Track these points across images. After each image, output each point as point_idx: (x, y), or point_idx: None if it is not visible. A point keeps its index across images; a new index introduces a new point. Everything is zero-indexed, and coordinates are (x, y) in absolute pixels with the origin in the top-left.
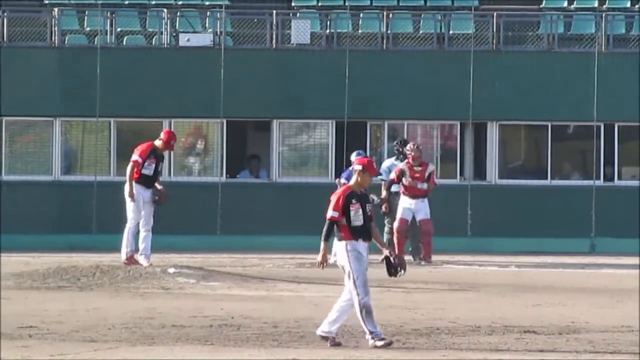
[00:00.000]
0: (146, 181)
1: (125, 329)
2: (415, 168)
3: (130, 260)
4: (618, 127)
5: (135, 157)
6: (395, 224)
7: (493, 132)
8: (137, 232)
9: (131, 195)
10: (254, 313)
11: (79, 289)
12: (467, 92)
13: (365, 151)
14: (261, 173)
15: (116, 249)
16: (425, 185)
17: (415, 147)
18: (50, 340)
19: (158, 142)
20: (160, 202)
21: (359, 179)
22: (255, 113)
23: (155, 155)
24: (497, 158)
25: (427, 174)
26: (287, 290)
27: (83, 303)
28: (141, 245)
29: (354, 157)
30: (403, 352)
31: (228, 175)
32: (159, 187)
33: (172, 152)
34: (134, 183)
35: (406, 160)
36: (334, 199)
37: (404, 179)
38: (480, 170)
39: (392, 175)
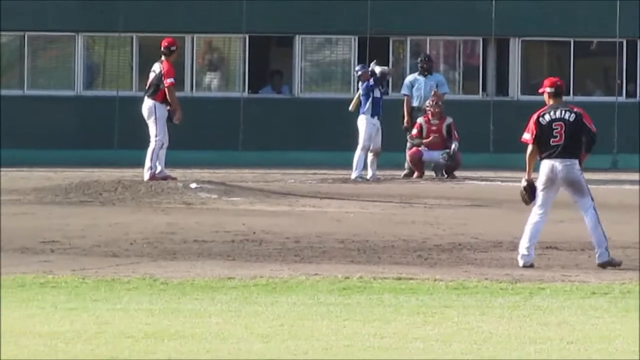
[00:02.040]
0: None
1: (147, 244)
2: (432, 122)
3: (154, 178)
4: None
5: (171, 79)
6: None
7: (515, 48)
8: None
9: (179, 118)
10: (276, 228)
11: (100, 204)
12: (490, 8)
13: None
14: (283, 89)
15: (138, 164)
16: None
17: (435, 102)
18: (72, 255)
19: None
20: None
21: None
22: (278, 28)
23: None
24: (519, 74)
25: (444, 127)
26: (309, 206)
27: (105, 218)
28: (162, 164)
29: (357, 73)
30: (425, 268)
31: (250, 91)
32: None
33: (194, 68)
34: (159, 104)
35: (424, 115)
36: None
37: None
38: (502, 86)
39: (414, 132)
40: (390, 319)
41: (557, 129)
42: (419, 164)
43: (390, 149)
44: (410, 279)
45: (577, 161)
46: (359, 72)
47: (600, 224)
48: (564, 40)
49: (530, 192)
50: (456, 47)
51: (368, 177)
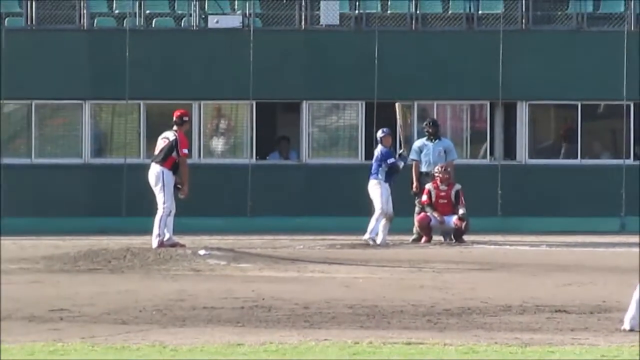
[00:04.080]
0: (176, 169)
1: (157, 311)
2: (441, 188)
3: (162, 245)
4: None
5: (186, 150)
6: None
7: (523, 112)
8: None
9: (185, 193)
10: (285, 294)
11: (109, 272)
12: (497, 72)
13: (394, 131)
14: (291, 154)
15: (146, 231)
16: (452, 222)
17: (443, 169)
18: (81, 323)
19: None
20: (178, 187)
21: None
22: (285, 94)
23: None
24: (527, 138)
25: (453, 193)
26: (318, 272)
27: (114, 285)
28: (170, 231)
29: (380, 134)
30: (434, 332)
31: (258, 157)
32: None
33: (201, 135)
34: (167, 170)
35: (433, 181)
36: None
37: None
38: (510, 150)
39: (424, 198)
40: None
41: None
42: (427, 229)
43: (398, 213)
44: (420, 343)
45: None
46: (383, 135)
47: None
48: (571, 104)
49: None
50: (463, 111)
51: (378, 241)
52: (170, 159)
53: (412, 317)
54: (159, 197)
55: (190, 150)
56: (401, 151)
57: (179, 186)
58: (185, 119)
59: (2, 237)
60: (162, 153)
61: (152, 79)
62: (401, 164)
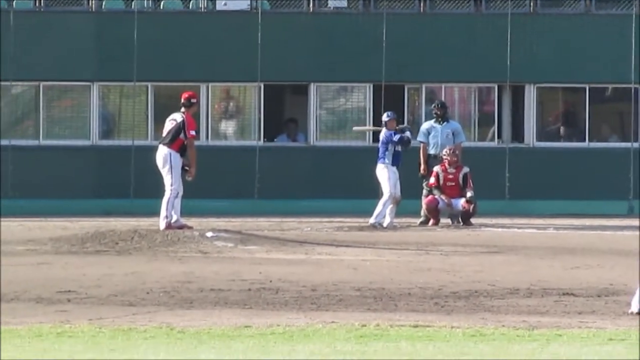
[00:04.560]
0: (184, 151)
1: (164, 293)
2: (449, 170)
3: (170, 227)
4: None
5: (194, 132)
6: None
7: (531, 95)
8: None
9: (193, 174)
10: (292, 276)
11: (117, 253)
12: (505, 54)
13: (403, 114)
14: (299, 137)
15: (154, 213)
16: (459, 205)
17: (452, 151)
18: (88, 305)
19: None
20: (185, 169)
21: None
22: (293, 77)
23: None
24: (534, 120)
25: (461, 176)
26: (325, 254)
27: (121, 267)
28: (178, 213)
29: (385, 118)
30: (442, 315)
31: (265, 139)
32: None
33: (209, 117)
34: (175, 152)
35: (441, 164)
36: None
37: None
38: (518, 133)
39: (432, 180)
40: None
41: None
42: (435, 212)
43: (406, 196)
44: (427, 326)
45: None
46: (388, 119)
47: None
48: (579, 87)
49: None
50: (471, 93)
51: (385, 224)
52: (178, 141)
53: (419, 300)
54: (167, 179)
55: (197, 132)
56: (403, 126)
57: (186, 168)
58: (193, 100)
59: (10, 219)
60: (169, 135)
61: (160, 61)
62: (407, 134)
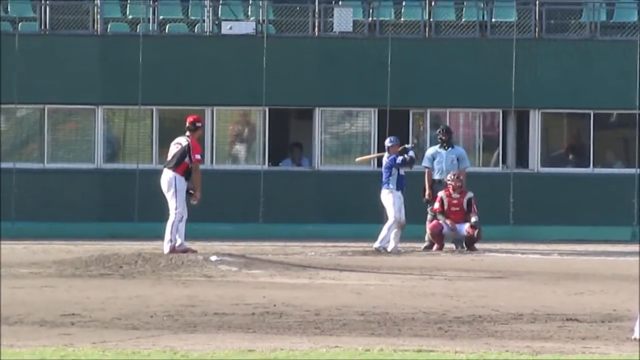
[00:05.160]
0: (188, 175)
1: (167, 316)
2: (453, 195)
3: (174, 251)
4: None
5: (199, 156)
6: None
7: (535, 120)
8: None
9: (198, 198)
10: (296, 301)
11: (121, 277)
12: (510, 80)
13: (407, 139)
14: (303, 161)
15: (158, 236)
16: (464, 230)
17: (456, 177)
18: (92, 328)
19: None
20: (190, 193)
21: None
22: (298, 101)
23: None
24: (539, 146)
25: (465, 201)
26: (329, 278)
27: (125, 291)
28: (182, 237)
29: (387, 143)
30: (445, 340)
31: (270, 164)
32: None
33: (214, 141)
34: (179, 176)
35: (445, 189)
36: None
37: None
38: (522, 159)
39: (436, 205)
40: None
41: None
42: (439, 237)
43: (410, 221)
44: (431, 351)
45: None
46: (390, 144)
47: None
48: (584, 112)
49: None
50: (476, 118)
51: (389, 249)
52: (183, 165)
53: (423, 325)
54: (171, 203)
55: (202, 156)
56: (406, 145)
57: (191, 192)
58: (198, 124)
59: (14, 242)
60: (174, 159)
61: (165, 85)
62: (411, 153)
